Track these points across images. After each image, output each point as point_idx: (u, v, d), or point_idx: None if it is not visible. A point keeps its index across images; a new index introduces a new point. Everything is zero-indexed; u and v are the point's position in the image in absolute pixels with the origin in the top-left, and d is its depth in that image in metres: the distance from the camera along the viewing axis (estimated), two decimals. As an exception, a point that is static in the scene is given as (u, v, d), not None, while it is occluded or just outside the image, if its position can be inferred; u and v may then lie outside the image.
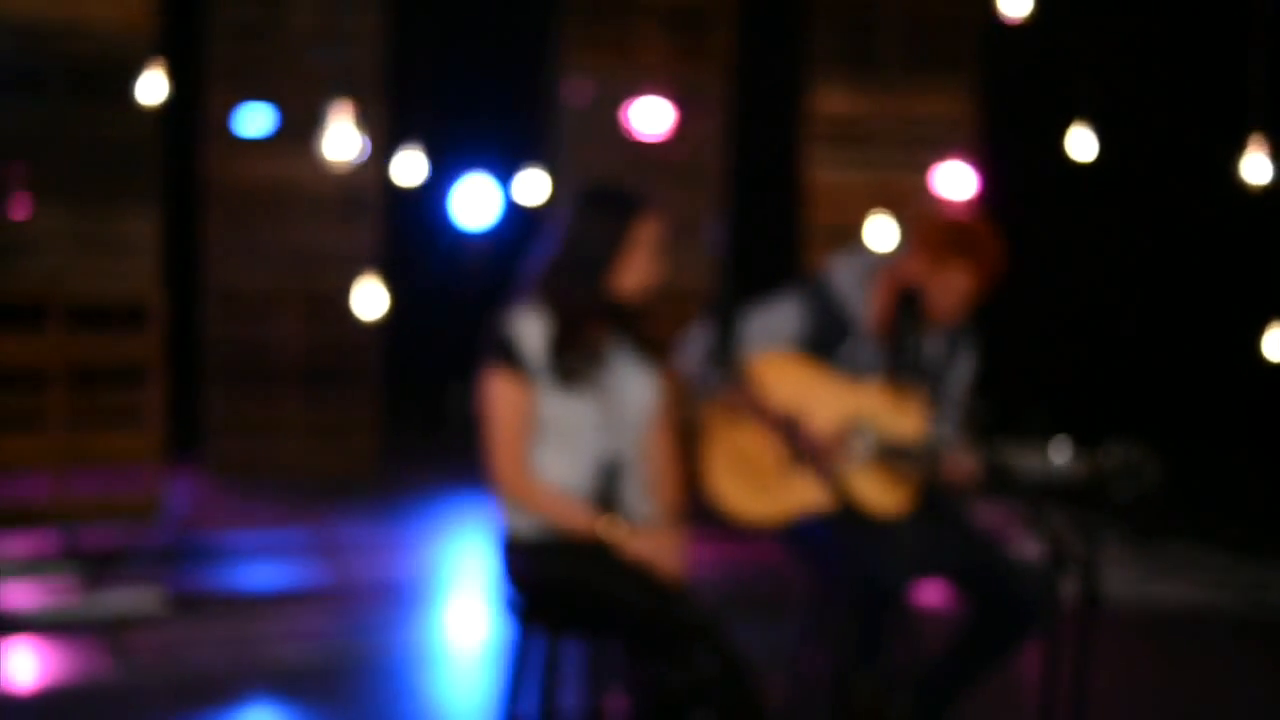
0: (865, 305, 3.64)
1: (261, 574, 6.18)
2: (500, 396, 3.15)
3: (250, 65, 7.91)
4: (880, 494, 3.53)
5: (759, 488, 3.56)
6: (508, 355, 3.15)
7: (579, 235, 3.18)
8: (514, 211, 8.86)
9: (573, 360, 3.15)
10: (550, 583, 3.13)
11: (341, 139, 3.76)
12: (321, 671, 4.83)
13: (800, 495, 3.55)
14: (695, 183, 8.39)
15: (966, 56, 8.62)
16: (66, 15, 6.79)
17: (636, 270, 3.19)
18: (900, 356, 3.20)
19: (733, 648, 2.94)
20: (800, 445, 2.67)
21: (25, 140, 6.91)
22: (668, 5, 8.28)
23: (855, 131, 8.59)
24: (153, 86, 6.23)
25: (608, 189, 3.29)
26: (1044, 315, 10.55)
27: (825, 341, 3.62)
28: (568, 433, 3.17)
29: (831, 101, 8.53)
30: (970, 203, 8.64)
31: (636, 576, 3.05)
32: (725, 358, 2.82)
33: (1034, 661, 3.53)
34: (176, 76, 7.91)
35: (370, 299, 6.34)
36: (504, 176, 8.56)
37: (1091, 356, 10.63)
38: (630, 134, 8.27)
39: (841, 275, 3.67)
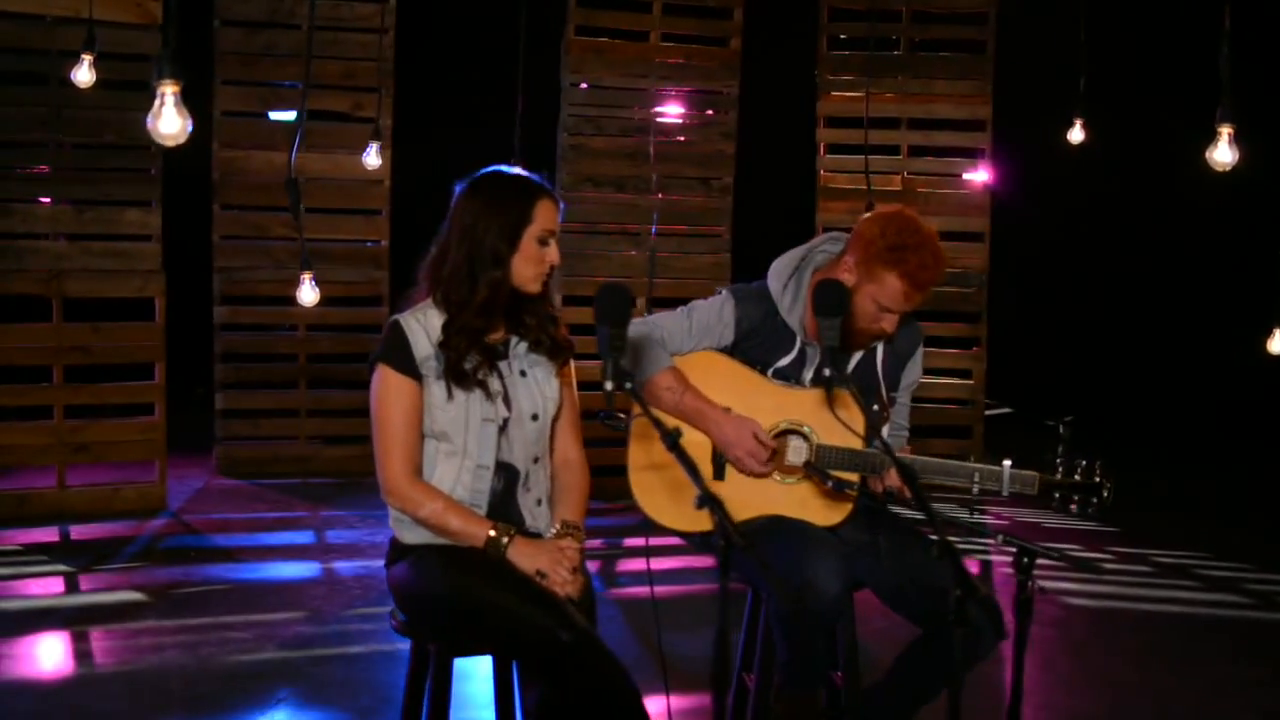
0: (800, 308, 3.48)
1: (254, 572, 6.13)
2: (388, 396, 3.02)
3: (258, 57, 7.88)
4: (813, 502, 3.37)
5: (679, 495, 3.42)
6: (398, 354, 3.02)
7: (475, 224, 3.03)
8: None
9: (466, 360, 3.02)
10: (434, 595, 2.99)
11: (169, 117, 3.65)
12: (297, 671, 4.77)
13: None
14: (706, 176, 8.24)
15: (982, 51, 8.40)
16: (70, 7, 6.77)
17: (534, 258, 3.05)
18: (825, 353, 3.05)
19: (617, 667, 2.80)
20: (684, 461, 2.53)
21: (28, 133, 6.92)
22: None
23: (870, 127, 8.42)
24: (85, 71, 6.12)
25: (502, 175, 3.12)
26: (1055, 309, 10.32)
27: (766, 345, 3.48)
28: (460, 437, 3.04)
29: (845, 97, 8.35)
30: (986, 198, 8.46)
31: (522, 591, 2.91)
32: (617, 363, 2.67)
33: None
34: (183, 68, 7.94)
35: (306, 292, 6.34)
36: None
37: (1098, 362, 10.39)
38: (638, 128, 8.14)
39: (774, 278, 3.51)
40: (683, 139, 8.23)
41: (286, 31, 7.90)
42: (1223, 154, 3.57)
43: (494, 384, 3.05)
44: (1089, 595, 6.13)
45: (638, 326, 3.47)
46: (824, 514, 3.37)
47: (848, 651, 3.37)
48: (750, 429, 3.38)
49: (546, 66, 8.14)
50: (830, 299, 3.08)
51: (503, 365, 3.10)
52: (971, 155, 8.50)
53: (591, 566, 6.23)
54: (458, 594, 2.93)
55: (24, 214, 6.92)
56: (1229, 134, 3.55)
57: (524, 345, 3.14)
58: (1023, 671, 2.82)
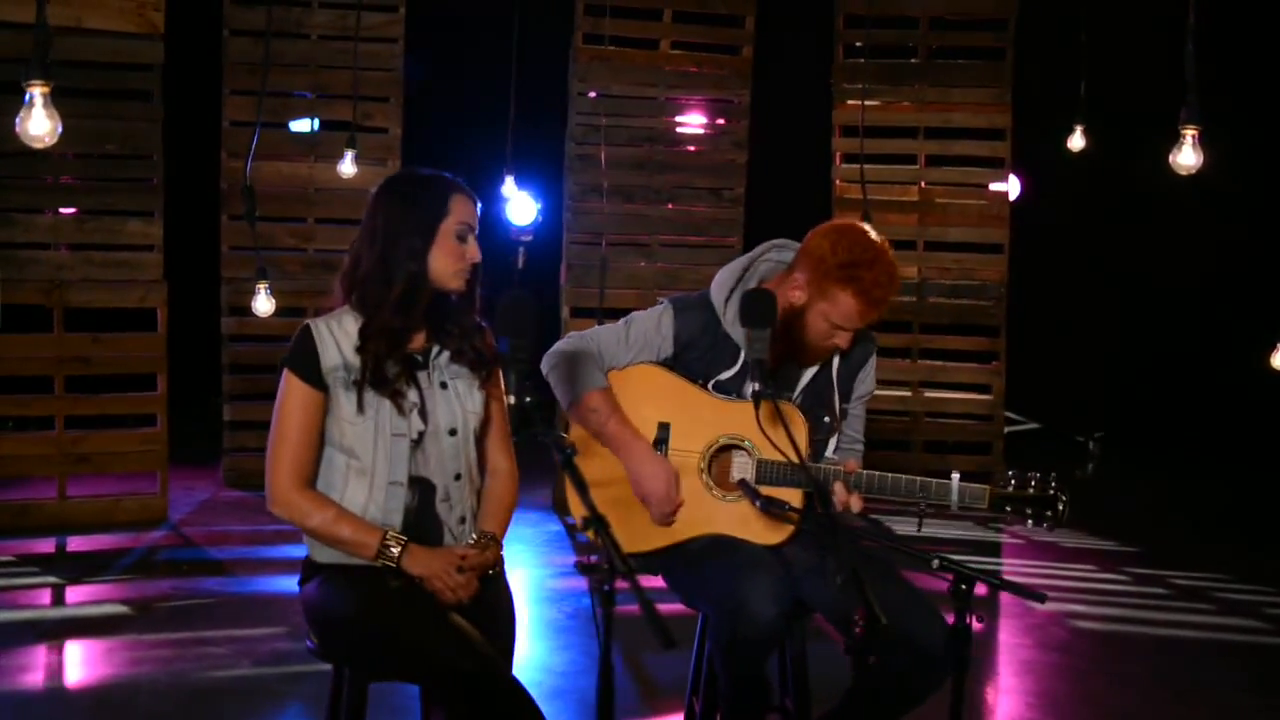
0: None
1: (244, 585, 6.05)
2: (287, 404, 2.91)
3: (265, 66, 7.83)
4: (755, 521, 3.22)
5: (619, 514, 3.28)
6: (303, 361, 2.91)
7: (387, 223, 2.91)
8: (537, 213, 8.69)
9: (383, 366, 2.90)
10: (340, 619, 2.87)
11: (38, 118, 3.56)
12: (267, 688, 4.67)
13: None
14: (717, 187, 8.11)
15: (1001, 58, 8.23)
16: (71, 17, 6.74)
17: (453, 253, 2.92)
18: (753, 366, 2.91)
19: (522, 697, 2.67)
20: (575, 479, 2.40)
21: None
22: (689, 2, 8.03)
23: (887, 136, 8.29)
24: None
25: (414, 173, 3.01)
26: (1085, 322, 10.08)
27: (707, 358, 3.33)
28: (368, 455, 2.91)
29: (860, 105, 8.19)
30: (1005, 208, 8.28)
31: (428, 618, 2.78)
32: (520, 376, 2.54)
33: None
34: (190, 78, 7.93)
35: (262, 302, 6.26)
36: (524, 178, 8.37)
37: (1130, 376, 10.14)
38: (648, 136, 8.03)
39: (717, 289, 3.37)
40: (693, 148, 8.11)
41: (294, 41, 7.86)
42: (1187, 157, 3.40)
43: (410, 396, 2.93)
44: (1098, 619, 5.93)
45: (574, 341, 3.36)
46: (766, 533, 3.21)
47: (795, 678, 3.21)
48: (666, 476, 3.25)
49: (558, 75, 8.07)
50: (755, 309, 2.95)
51: (422, 376, 2.97)
52: (990, 165, 8.33)
53: (581, 584, 6.19)
54: (362, 618, 2.82)
55: (25, 224, 6.89)
56: (1194, 136, 3.38)
57: (446, 355, 3.01)
58: (963, 704, 2.66)
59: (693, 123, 8.13)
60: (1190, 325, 9.94)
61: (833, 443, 3.39)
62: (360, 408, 2.90)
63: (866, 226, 3.28)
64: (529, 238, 9.79)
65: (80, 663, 4.98)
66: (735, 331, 3.29)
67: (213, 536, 6.92)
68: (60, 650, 5.07)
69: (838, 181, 8.28)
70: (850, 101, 8.22)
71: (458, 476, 3.00)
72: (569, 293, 7.95)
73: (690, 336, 3.33)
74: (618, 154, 7.98)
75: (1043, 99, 8.27)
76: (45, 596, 5.82)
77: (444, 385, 3.00)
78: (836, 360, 3.39)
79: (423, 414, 2.94)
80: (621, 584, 2.27)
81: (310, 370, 2.91)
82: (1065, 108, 7.78)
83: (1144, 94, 8.49)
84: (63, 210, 7.00)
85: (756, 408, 2.90)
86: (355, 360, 2.91)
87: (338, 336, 2.93)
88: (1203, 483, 9.12)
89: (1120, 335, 10.05)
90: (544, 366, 3.35)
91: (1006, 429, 9.55)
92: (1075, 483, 9.46)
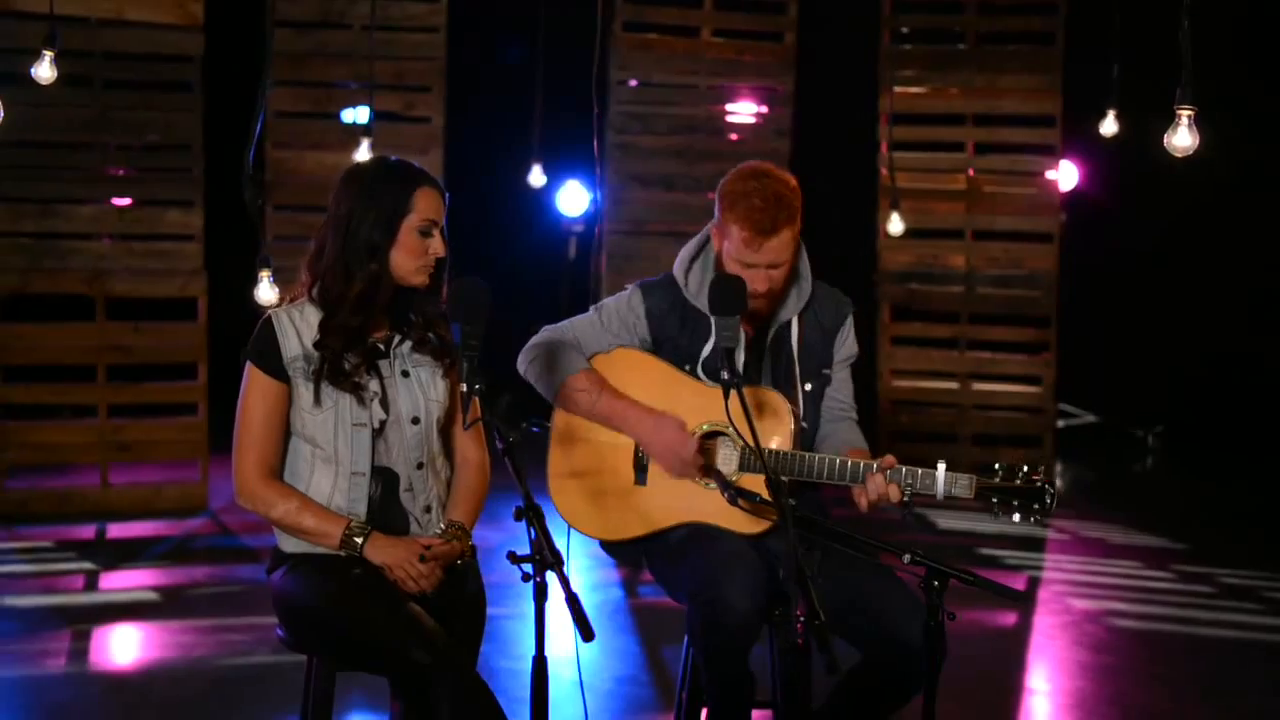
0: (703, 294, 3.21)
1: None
2: (250, 396, 2.90)
3: (309, 57, 7.85)
4: (737, 510, 3.12)
5: (599, 503, 3.23)
6: (264, 353, 2.89)
7: (349, 215, 2.87)
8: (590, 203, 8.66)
9: (341, 360, 2.86)
10: (304, 608, 2.86)
11: None
12: (280, 675, 4.63)
13: (643, 512, 3.21)
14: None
15: (1051, 42, 8.04)
16: (114, 9, 6.83)
17: (415, 250, 2.87)
18: (722, 355, 2.84)
19: (480, 690, 2.63)
20: (515, 470, 2.34)
21: (73, 134, 6.98)
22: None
23: (934, 123, 8.15)
24: (46, 68, 5.84)
25: (380, 163, 2.98)
26: (1146, 311, 9.83)
27: (685, 336, 3.26)
28: (329, 444, 2.89)
29: (907, 93, 8.06)
30: (1056, 197, 8.11)
31: (388, 608, 2.75)
32: (472, 364, 2.50)
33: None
34: (236, 69, 7.97)
35: (265, 290, 6.23)
36: (576, 168, 8.35)
37: (1193, 367, 9.86)
38: (688, 125, 7.96)
39: (678, 263, 3.30)
40: (735, 137, 8.03)
41: (337, 31, 7.87)
42: (1182, 139, 3.27)
43: (371, 386, 2.90)
44: (1138, 617, 5.77)
45: (548, 333, 3.30)
46: (748, 522, 3.12)
47: (784, 673, 3.13)
48: (672, 424, 3.15)
49: (596, 59, 7.99)
50: (723, 296, 2.88)
51: (383, 365, 2.94)
52: (1040, 152, 8.16)
53: (614, 576, 6.14)
54: (323, 607, 2.81)
55: (67, 214, 6.99)
56: (1189, 117, 3.25)
57: (408, 344, 2.98)
58: (935, 704, 2.57)
59: (735, 111, 8.03)
60: (1256, 318, 9.66)
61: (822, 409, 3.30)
62: (318, 399, 2.88)
63: (769, 165, 3.18)
64: (580, 228, 9.78)
65: (103, 648, 5.04)
66: (701, 301, 3.21)
67: (250, 525, 6.93)
68: (86, 635, 5.12)
69: (883, 170, 8.15)
70: (896, 88, 8.09)
71: (420, 465, 2.96)
72: (608, 282, 7.90)
73: (661, 314, 3.26)
74: (658, 142, 7.92)
75: (1097, 84, 8.07)
76: (79, 582, 5.89)
77: (405, 374, 2.96)
78: (796, 328, 3.27)
79: (384, 403, 2.91)
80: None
81: (272, 362, 2.89)
82: (1119, 92, 7.56)
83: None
84: (115, 201, 7.09)
85: (725, 398, 2.81)
86: (315, 351, 2.89)
87: (299, 326, 2.91)
88: (1263, 480, 8.85)
89: (1181, 326, 9.77)
90: (521, 363, 3.29)
91: (1061, 422, 9.37)
92: (1131, 477, 9.29)
